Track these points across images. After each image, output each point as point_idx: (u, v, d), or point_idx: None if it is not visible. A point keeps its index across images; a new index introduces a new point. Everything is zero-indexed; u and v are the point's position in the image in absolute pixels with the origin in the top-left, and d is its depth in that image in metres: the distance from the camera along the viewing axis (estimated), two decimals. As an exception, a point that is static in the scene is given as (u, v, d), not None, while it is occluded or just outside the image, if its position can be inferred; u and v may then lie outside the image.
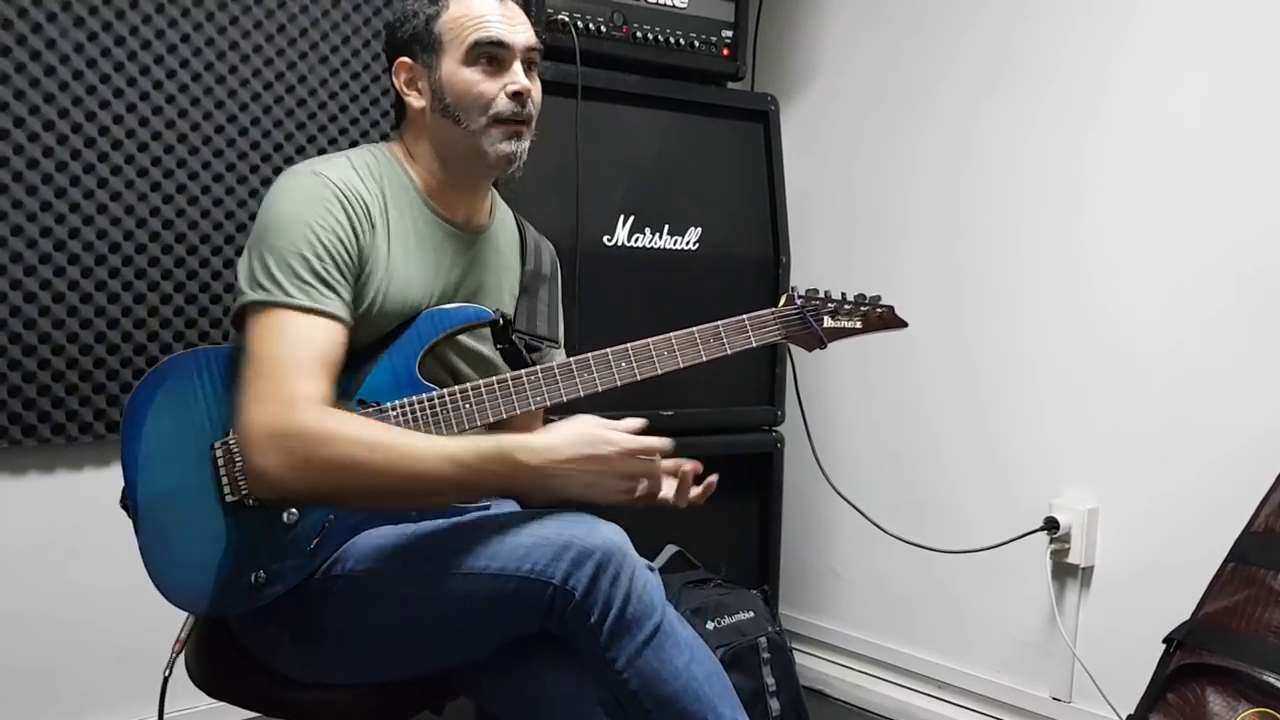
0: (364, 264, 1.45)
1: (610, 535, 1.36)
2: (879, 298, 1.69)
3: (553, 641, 1.38)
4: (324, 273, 1.40)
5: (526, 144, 1.53)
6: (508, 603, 1.35)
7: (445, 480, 1.35)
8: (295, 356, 1.36)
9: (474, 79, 1.49)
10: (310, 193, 1.42)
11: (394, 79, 1.55)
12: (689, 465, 1.52)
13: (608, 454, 1.38)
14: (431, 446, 1.35)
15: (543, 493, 1.39)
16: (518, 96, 1.50)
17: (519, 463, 1.35)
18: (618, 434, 1.39)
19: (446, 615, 1.39)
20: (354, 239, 1.44)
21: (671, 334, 1.54)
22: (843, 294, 1.66)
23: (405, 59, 1.53)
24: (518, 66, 1.51)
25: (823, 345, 1.63)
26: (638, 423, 1.44)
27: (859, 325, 1.66)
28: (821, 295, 1.63)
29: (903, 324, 1.69)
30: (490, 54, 1.49)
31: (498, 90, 1.49)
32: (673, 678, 1.35)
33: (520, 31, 1.52)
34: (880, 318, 1.68)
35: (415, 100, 1.53)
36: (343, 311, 1.42)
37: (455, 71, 1.49)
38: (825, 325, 1.63)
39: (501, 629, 1.39)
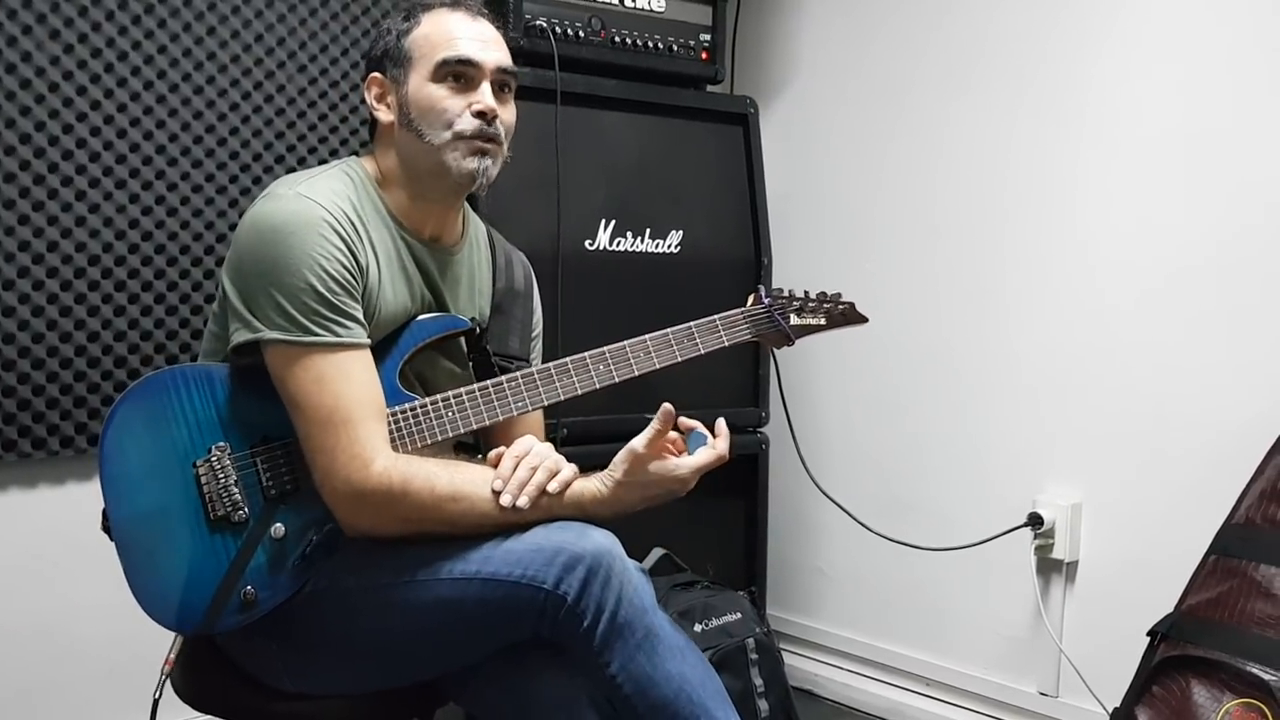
0: (364, 284, 1.46)
1: (600, 540, 1.37)
2: (840, 294, 1.73)
3: (545, 645, 1.38)
4: (340, 304, 1.42)
5: (493, 164, 1.52)
6: (499, 608, 1.36)
7: (519, 519, 1.41)
8: (348, 404, 1.40)
9: (439, 95, 1.49)
10: (303, 220, 1.41)
11: (366, 93, 1.55)
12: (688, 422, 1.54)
13: (671, 486, 1.47)
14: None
15: (610, 519, 1.46)
16: (482, 115, 1.49)
17: (590, 511, 1.44)
18: (676, 469, 1.46)
19: (437, 622, 1.39)
20: (354, 261, 1.44)
21: (646, 336, 1.57)
22: (805, 292, 1.70)
23: (377, 74, 1.54)
24: (486, 86, 1.50)
25: (790, 342, 1.69)
26: (687, 423, 1.51)
27: (823, 322, 1.71)
28: (786, 294, 1.69)
29: (863, 319, 1.76)
30: (458, 72, 1.49)
31: (463, 108, 1.49)
32: (665, 681, 1.36)
33: (491, 51, 1.52)
34: (843, 314, 1.74)
35: (384, 115, 1.53)
36: (364, 336, 1.44)
37: (421, 87, 1.49)
38: (792, 323, 1.68)
39: (493, 635, 1.39)
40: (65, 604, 2.11)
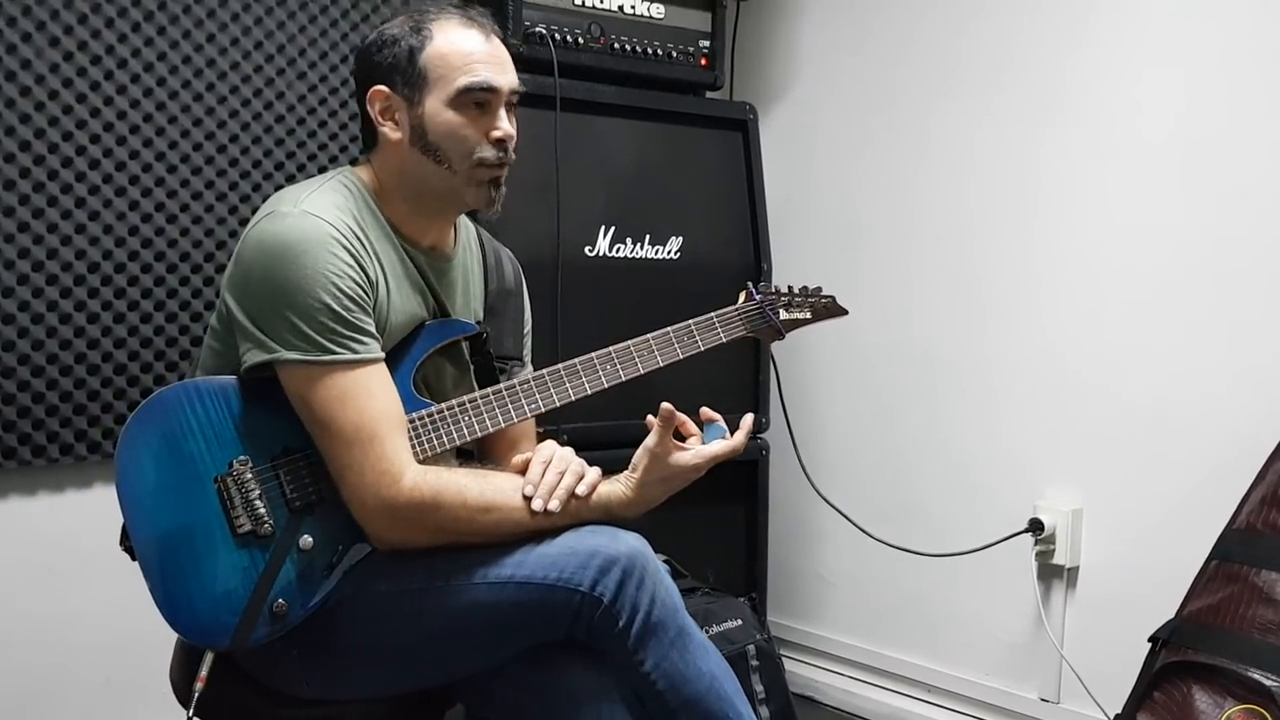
0: (375, 298, 1.46)
1: (632, 542, 1.40)
2: (820, 289, 1.77)
3: (568, 643, 1.40)
4: (355, 320, 1.41)
5: (505, 187, 1.54)
6: (534, 611, 1.38)
7: (550, 525, 1.43)
8: (372, 420, 1.40)
9: (459, 123, 1.47)
10: (313, 238, 1.40)
11: (368, 106, 1.51)
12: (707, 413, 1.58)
13: (688, 475, 1.50)
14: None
15: (635, 517, 1.49)
16: (501, 143, 1.49)
17: (616, 513, 1.47)
18: (691, 459, 1.49)
19: (472, 626, 1.40)
20: (364, 275, 1.44)
21: (649, 335, 1.60)
22: (790, 287, 1.74)
23: (382, 87, 1.50)
24: (502, 112, 1.50)
25: (781, 336, 1.73)
26: (704, 414, 1.55)
27: (808, 315, 1.75)
28: (774, 290, 1.72)
29: (844, 311, 1.80)
30: (478, 99, 1.48)
31: (482, 135, 1.48)
32: (697, 678, 1.39)
33: (507, 74, 1.51)
34: (825, 307, 1.77)
35: (391, 132, 1.50)
36: (379, 350, 1.45)
37: (440, 112, 1.47)
38: (781, 317, 1.71)
39: (526, 636, 1.41)
40: (64, 611, 2.10)
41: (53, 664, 2.10)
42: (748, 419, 1.55)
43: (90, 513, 1.99)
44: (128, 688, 2.15)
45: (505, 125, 1.49)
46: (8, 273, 1.97)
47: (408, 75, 1.48)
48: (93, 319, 2.06)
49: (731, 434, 1.55)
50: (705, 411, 1.56)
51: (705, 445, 1.52)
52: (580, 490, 1.45)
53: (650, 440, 1.48)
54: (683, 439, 1.53)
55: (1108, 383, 2.26)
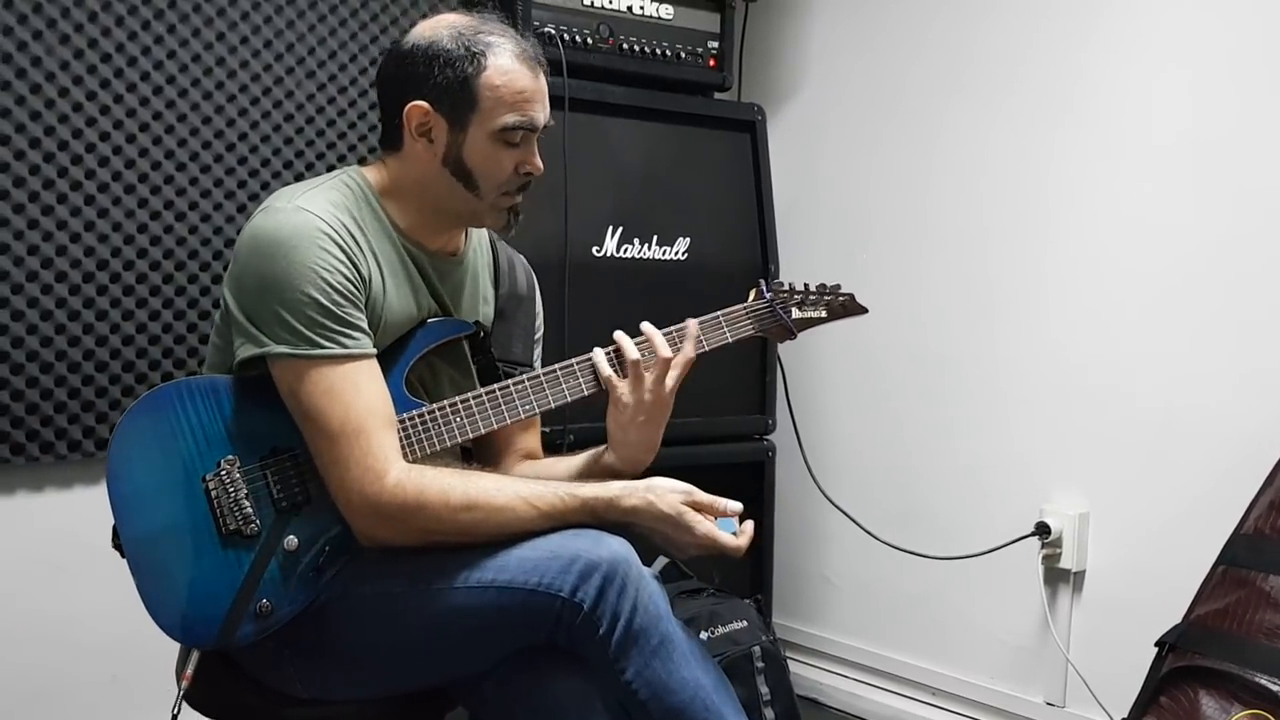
0: (368, 294, 1.46)
1: (616, 547, 1.38)
2: (839, 286, 1.72)
3: (558, 648, 1.39)
4: (344, 315, 1.41)
5: (521, 214, 1.56)
6: (515, 615, 1.37)
7: (535, 527, 1.41)
8: (359, 415, 1.39)
9: (498, 155, 1.48)
10: (302, 232, 1.40)
11: (404, 118, 1.48)
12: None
13: (684, 541, 1.45)
14: (519, 497, 1.41)
15: (622, 529, 1.45)
16: (529, 175, 1.51)
17: (604, 518, 1.43)
18: (699, 524, 1.44)
19: (453, 628, 1.40)
20: (355, 271, 1.44)
21: None
22: (805, 284, 1.70)
23: (423, 104, 1.47)
24: (534, 145, 1.51)
25: (792, 336, 1.69)
26: (735, 506, 1.48)
27: (824, 314, 1.71)
28: (787, 287, 1.69)
29: (863, 310, 1.74)
30: (521, 136, 1.49)
31: (514, 168, 1.50)
32: (680, 688, 1.37)
33: (547, 108, 1.52)
34: (842, 305, 1.73)
35: (423, 148, 1.49)
36: (370, 346, 1.44)
37: (483, 143, 1.48)
38: (794, 316, 1.68)
39: (508, 641, 1.40)
40: (70, 608, 2.11)
41: (58, 661, 2.11)
42: (748, 526, 1.50)
43: (97, 509, 1.99)
44: (133, 685, 2.15)
45: (538, 161, 1.51)
46: (17, 269, 1.98)
47: (456, 99, 1.47)
48: (101, 315, 2.07)
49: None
50: (732, 506, 1.49)
51: (715, 528, 1.47)
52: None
53: (698, 490, 1.46)
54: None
55: (1115, 386, 2.25)
